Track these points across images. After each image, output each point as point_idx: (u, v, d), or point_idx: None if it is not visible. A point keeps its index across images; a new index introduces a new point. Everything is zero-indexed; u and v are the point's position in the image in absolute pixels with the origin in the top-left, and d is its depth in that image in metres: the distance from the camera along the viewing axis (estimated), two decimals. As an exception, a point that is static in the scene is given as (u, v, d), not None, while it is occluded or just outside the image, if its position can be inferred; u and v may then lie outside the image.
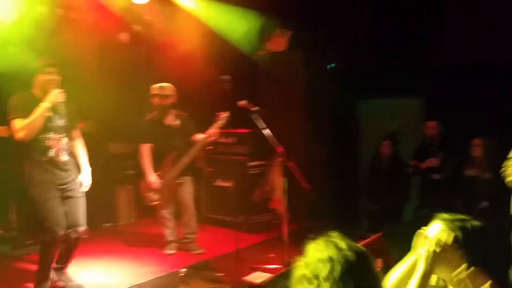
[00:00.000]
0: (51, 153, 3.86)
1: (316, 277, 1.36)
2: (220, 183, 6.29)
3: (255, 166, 6.14)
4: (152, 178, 4.93)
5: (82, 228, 4.02)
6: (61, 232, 3.85)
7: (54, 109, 3.80)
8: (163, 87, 4.96)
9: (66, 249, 4.12)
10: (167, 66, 6.18)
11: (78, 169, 4.12)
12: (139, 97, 6.75)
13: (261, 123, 4.42)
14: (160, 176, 4.98)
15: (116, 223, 6.53)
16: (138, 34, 6.59)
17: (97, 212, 6.23)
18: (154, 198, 5.00)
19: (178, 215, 5.23)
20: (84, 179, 4.09)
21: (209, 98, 6.06)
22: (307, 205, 5.81)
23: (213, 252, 5.23)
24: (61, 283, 4.18)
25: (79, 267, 4.59)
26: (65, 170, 3.96)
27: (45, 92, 3.77)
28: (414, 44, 6.08)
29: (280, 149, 4.32)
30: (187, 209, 5.13)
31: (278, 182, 6.09)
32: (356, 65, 6.33)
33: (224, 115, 4.85)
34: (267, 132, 4.39)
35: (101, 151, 6.55)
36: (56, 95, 3.76)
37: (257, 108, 4.55)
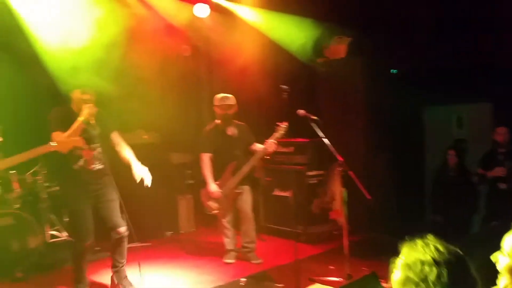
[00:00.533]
0: (81, 162, 4.10)
1: (424, 280, 1.36)
2: (278, 192, 6.28)
3: (314, 176, 6.09)
4: (212, 187, 5.01)
5: (122, 228, 4.20)
6: (88, 242, 4.12)
7: (86, 121, 4.06)
8: (225, 98, 5.05)
9: (114, 252, 4.33)
10: (227, 77, 6.33)
11: (110, 177, 4.28)
12: (200, 108, 6.95)
13: (320, 132, 4.38)
14: (220, 186, 5.05)
15: (177, 231, 6.70)
16: (199, 47, 6.77)
17: (160, 220, 6.49)
18: (214, 207, 5.08)
19: (237, 224, 5.29)
20: (140, 172, 4.23)
21: (268, 108, 6.07)
22: (368, 216, 5.68)
23: (271, 262, 5.23)
24: (120, 287, 4.37)
25: (141, 273, 4.70)
26: (98, 178, 4.17)
27: (80, 108, 4.06)
28: (482, 45, 5.79)
29: (340, 158, 4.26)
30: (246, 219, 5.17)
31: (338, 192, 6.05)
32: (420, 69, 6.13)
33: (283, 125, 4.86)
34: (326, 141, 4.34)
35: (163, 161, 6.77)
36: (89, 111, 4.01)
37: (316, 117, 4.52)
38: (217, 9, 6.56)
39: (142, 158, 5.99)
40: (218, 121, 5.16)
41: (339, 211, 5.65)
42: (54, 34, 5.48)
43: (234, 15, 6.54)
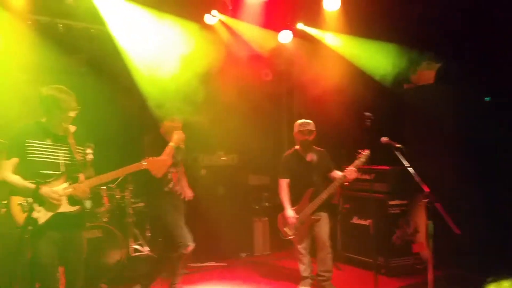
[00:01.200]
0: (171, 184, 4.76)
1: None
2: (357, 221, 6.15)
3: (396, 205, 5.89)
4: (290, 212, 5.01)
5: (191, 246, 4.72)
6: (191, 246, 4.68)
7: (177, 147, 4.68)
8: (305, 123, 5.08)
9: (176, 267, 4.90)
10: (308, 102, 6.38)
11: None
12: (279, 131, 7.02)
13: (404, 161, 4.24)
14: (297, 211, 5.05)
15: (252, 253, 6.75)
16: (281, 72, 6.91)
17: (235, 241, 6.58)
18: (290, 232, 5.06)
19: (313, 251, 5.22)
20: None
21: (349, 134, 6.02)
22: (455, 251, 5.36)
23: (348, 293, 5.06)
24: None
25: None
26: (180, 198, 4.90)
27: (170, 135, 4.65)
28: None
29: (426, 188, 4.08)
30: (323, 246, 5.09)
31: (422, 224, 5.82)
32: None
33: (364, 153, 4.80)
34: (411, 170, 4.19)
35: (241, 182, 6.91)
36: (179, 137, 4.62)
37: (400, 145, 4.39)
38: (301, 35, 6.66)
39: (220, 179, 6.23)
40: (297, 147, 5.19)
41: (423, 244, 5.40)
42: (148, 61, 5.95)
43: (317, 40, 6.59)
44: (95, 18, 5.77)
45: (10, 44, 5.55)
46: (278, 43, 6.48)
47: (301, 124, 5.09)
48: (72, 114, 3.52)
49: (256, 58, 6.43)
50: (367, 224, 5.90)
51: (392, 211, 5.87)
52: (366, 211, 5.99)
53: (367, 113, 4.45)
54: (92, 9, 5.67)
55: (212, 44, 6.02)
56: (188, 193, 5.01)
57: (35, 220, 3.28)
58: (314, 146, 5.19)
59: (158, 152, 4.47)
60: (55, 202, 3.40)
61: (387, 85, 6.15)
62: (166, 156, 4.51)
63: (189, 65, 5.83)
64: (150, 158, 3.81)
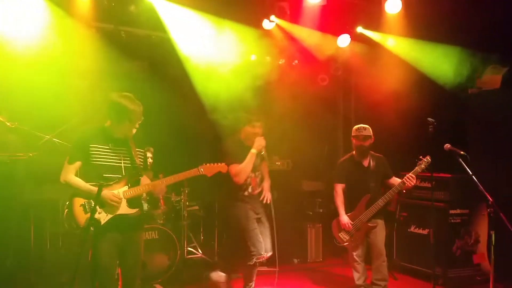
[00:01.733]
0: (250, 189, 4.69)
1: None
2: (415, 230, 5.98)
3: (457, 215, 5.70)
4: (345, 218, 4.98)
5: (270, 253, 4.70)
6: (266, 255, 4.64)
7: (259, 153, 4.65)
8: (362, 128, 5.02)
9: (250, 273, 4.79)
10: (367, 107, 6.28)
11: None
12: (335, 137, 6.97)
13: (468, 168, 4.09)
14: (352, 218, 5.00)
15: (305, 259, 6.71)
16: (338, 76, 6.89)
17: (288, 247, 6.56)
18: (344, 239, 5.02)
19: (368, 259, 5.14)
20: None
21: (409, 140, 5.90)
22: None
23: (404, 304, 4.94)
24: None
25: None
26: (259, 202, 4.76)
27: (250, 140, 4.62)
28: None
29: (489, 198, 3.92)
30: (378, 254, 5.00)
31: (484, 234, 5.60)
32: None
33: (425, 160, 4.67)
34: (475, 179, 4.02)
35: (295, 188, 6.92)
36: (261, 144, 4.57)
37: (463, 152, 4.23)
38: (360, 39, 6.61)
39: (274, 184, 6.26)
40: (354, 152, 5.14)
41: (484, 255, 5.18)
42: (207, 67, 6.12)
43: (377, 44, 6.51)
44: (157, 25, 5.95)
45: (75, 50, 5.79)
46: (337, 48, 6.45)
47: (357, 129, 5.04)
48: (134, 124, 3.61)
49: (313, 62, 6.38)
50: (425, 233, 5.74)
51: (453, 221, 5.70)
52: (424, 219, 5.82)
53: (430, 119, 4.36)
54: (154, 16, 5.83)
55: (270, 49, 6.13)
56: (268, 196, 4.82)
57: (97, 221, 3.36)
58: (372, 152, 5.12)
59: (238, 157, 4.57)
60: (115, 204, 3.49)
61: (450, 90, 5.96)
62: (246, 163, 4.56)
63: (247, 70, 5.96)
64: (208, 165, 3.89)
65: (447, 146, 4.24)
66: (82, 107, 5.30)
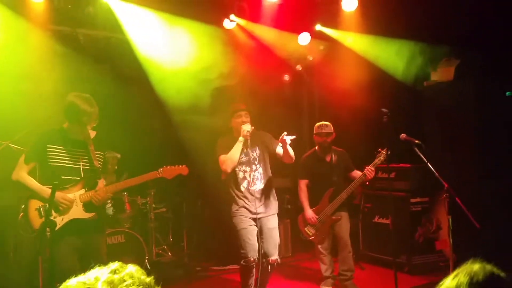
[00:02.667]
0: (245, 183, 4.37)
1: None
2: (379, 220, 6.15)
3: (418, 203, 5.90)
4: (309, 213, 5.06)
5: (273, 257, 4.40)
6: (254, 258, 4.29)
7: (245, 143, 4.31)
8: (324, 125, 5.13)
9: (261, 277, 4.46)
10: (328, 103, 6.41)
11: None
12: (300, 134, 6.97)
13: (423, 157, 4.25)
14: (317, 212, 5.09)
15: (274, 256, 6.74)
16: (300, 74, 6.97)
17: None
18: (310, 233, 5.10)
19: (335, 251, 5.25)
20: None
21: (368, 133, 6.03)
22: (477, 246, 5.30)
23: (370, 292, 5.04)
24: None
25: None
26: (260, 199, 4.42)
27: (239, 131, 4.34)
28: None
29: (445, 184, 4.09)
30: (344, 245, 5.12)
31: (444, 221, 5.79)
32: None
33: (383, 152, 4.82)
34: (430, 166, 4.20)
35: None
36: (245, 129, 4.27)
37: (419, 141, 4.38)
38: (319, 37, 6.72)
39: None
40: (316, 148, 5.24)
41: (446, 241, 5.37)
42: (167, 67, 6.08)
43: (336, 41, 6.63)
44: (115, 26, 5.87)
45: (32, 54, 5.67)
46: (297, 45, 6.53)
47: (319, 127, 5.15)
48: (90, 127, 3.58)
49: (275, 60, 6.46)
50: (389, 222, 5.85)
51: (414, 209, 5.89)
52: (387, 210, 5.97)
53: (383, 109, 4.48)
54: (112, 18, 5.75)
55: (230, 48, 6.14)
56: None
57: (52, 223, 3.31)
58: (334, 147, 5.24)
59: (227, 149, 4.32)
60: (66, 207, 3.45)
61: (407, 83, 6.15)
62: (234, 151, 4.23)
63: (208, 69, 5.98)
64: (168, 167, 3.84)
65: (403, 136, 4.38)
66: (42, 113, 5.22)
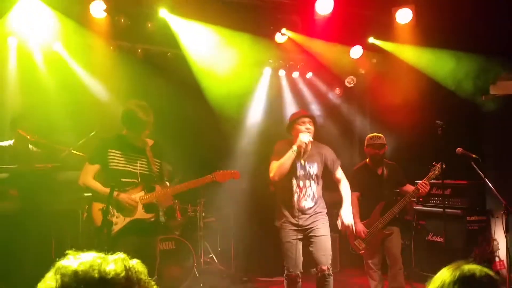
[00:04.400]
0: (295, 197, 4.15)
1: None
2: (433, 238, 5.92)
3: (474, 222, 5.65)
4: (360, 226, 4.94)
5: (324, 266, 4.22)
6: (295, 273, 4.16)
7: (299, 154, 4.04)
8: (377, 137, 5.02)
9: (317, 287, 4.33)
10: (379, 116, 6.28)
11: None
12: (351, 147, 7.00)
13: (481, 173, 4.06)
14: (367, 225, 4.97)
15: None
16: (351, 87, 6.84)
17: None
18: (360, 247, 4.98)
19: (385, 267, 5.08)
20: (344, 215, 4.30)
21: (423, 147, 5.82)
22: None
23: (421, 313, 4.88)
24: None
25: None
26: (309, 214, 4.25)
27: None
28: None
29: (502, 200, 3.88)
30: (394, 262, 4.94)
31: (502, 240, 5.48)
32: None
33: (438, 166, 4.66)
34: (488, 183, 4.00)
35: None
36: (302, 138, 3.99)
37: (476, 156, 4.22)
38: (372, 49, 6.63)
39: None
40: (367, 160, 5.14)
41: (503, 262, 5.07)
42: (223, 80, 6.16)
43: (389, 54, 6.51)
44: (172, 42, 6.04)
45: (94, 66, 5.99)
46: (350, 59, 6.47)
47: (371, 138, 5.04)
48: (144, 135, 3.70)
49: (327, 75, 6.42)
50: (443, 241, 5.62)
51: (470, 228, 5.64)
52: (441, 228, 5.67)
53: (438, 122, 4.37)
54: (169, 33, 5.91)
55: (282, 62, 6.11)
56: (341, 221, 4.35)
57: (109, 224, 3.43)
58: (385, 160, 5.12)
59: (280, 155, 4.12)
60: (131, 208, 3.58)
61: (464, 96, 5.92)
62: (283, 161, 3.99)
63: (261, 82, 5.98)
64: (220, 171, 3.91)
65: (459, 150, 4.26)
66: (102, 121, 5.42)
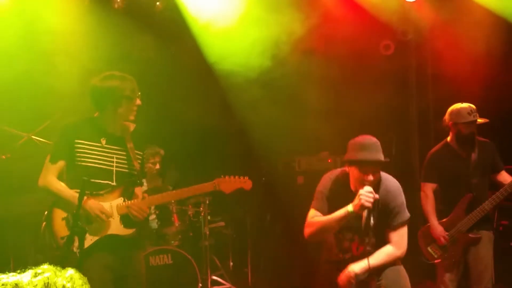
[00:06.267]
0: (348, 255, 3.49)
1: None
2: (519, 243, 5.50)
3: None
4: (437, 228, 4.36)
5: None
6: None
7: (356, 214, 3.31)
8: (474, 110, 4.33)
9: None
10: (445, 77, 5.74)
11: None
12: (407, 121, 6.58)
13: None
14: (447, 226, 4.42)
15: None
16: (407, 41, 6.39)
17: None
18: (436, 255, 4.43)
19: (466, 284, 4.49)
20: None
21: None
22: None
23: None
24: None
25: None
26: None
27: (356, 184, 3.32)
28: None
29: None
30: (478, 278, 4.34)
31: None
32: None
33: None
34: None
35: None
36: (365, 200, 3.16)
37: None
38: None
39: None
40: (449, 139, 4.46)
41: None
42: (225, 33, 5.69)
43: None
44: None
45: (62, 23, 5.52)
46: (403, 3, 5.88)
47: (469, 112, 4.26)
48: (130, 105, 3.36)
49: (373, 25, 5.85)
50: None
51: None
52: None
53: None
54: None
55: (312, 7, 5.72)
56: None
57: (81, 233, 3.10)
58: (477, 137, 4.45)
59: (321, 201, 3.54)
60: (100, 223, 3.28)
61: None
62: (330, 221, 3.34)
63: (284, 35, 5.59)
64: (226, 178, 3.57)
65: None
66: (70, 99, 5.06)
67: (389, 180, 3.52)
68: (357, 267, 3.43)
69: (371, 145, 3.32)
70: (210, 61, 6.00)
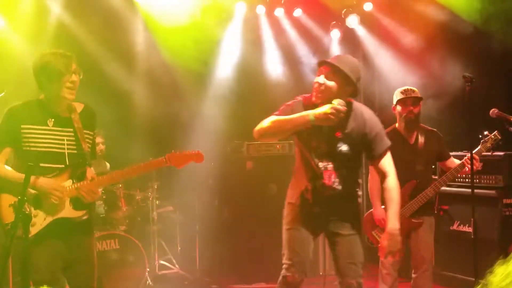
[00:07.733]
0: (319, 182, 3.46)
1: None
2: (459, 227, 5.49)
3: (512, 205, 5.45)
4: (380, 212, 4.35)
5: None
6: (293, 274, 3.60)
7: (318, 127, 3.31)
8: (410, 90, 4.36)
9: None
10: (396, 69, 5.88)
11: None
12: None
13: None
14: (390, 210, 4.54)
15: (314, 273, 6.00)
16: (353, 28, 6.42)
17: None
18: (380, 238, 4.22)
19: (405, 268, 4.62)
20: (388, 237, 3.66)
21: (446, 108, 5.47)
22: None
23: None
24: None
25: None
26: (331, 204, 3.53)
27: (318, 97, 3.30)
28: None
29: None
30: (421, 263, 4.38)
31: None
32: None
33: (492, 136, 4.26)
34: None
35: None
36: (332, 111, 3.10)
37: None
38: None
39: (273, 175, 5.93)
40: (397, 125, 4.49)
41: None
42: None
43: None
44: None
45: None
46: None
47: (404, 91, 4.35)
48: (70, 81, 3.23)
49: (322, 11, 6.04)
50: (471, 231, 5.13)
51: (508, 213, 5.23)
52: (470, 214, 5.15)
53: (466, 74, 3.99)
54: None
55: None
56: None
57: (28, 218, 2.96)
58: (422, 125, 4.52)
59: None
60: (56, 201, 3.19)
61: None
62: (287, 118, 3.27)
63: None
64: (177, 153, 3.53)
65: (494, 111, 4.10)
66: (14, 79, 5.08)
67: (364, 108, 3.46)
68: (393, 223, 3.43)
69: (343, 58, 3.38)
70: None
